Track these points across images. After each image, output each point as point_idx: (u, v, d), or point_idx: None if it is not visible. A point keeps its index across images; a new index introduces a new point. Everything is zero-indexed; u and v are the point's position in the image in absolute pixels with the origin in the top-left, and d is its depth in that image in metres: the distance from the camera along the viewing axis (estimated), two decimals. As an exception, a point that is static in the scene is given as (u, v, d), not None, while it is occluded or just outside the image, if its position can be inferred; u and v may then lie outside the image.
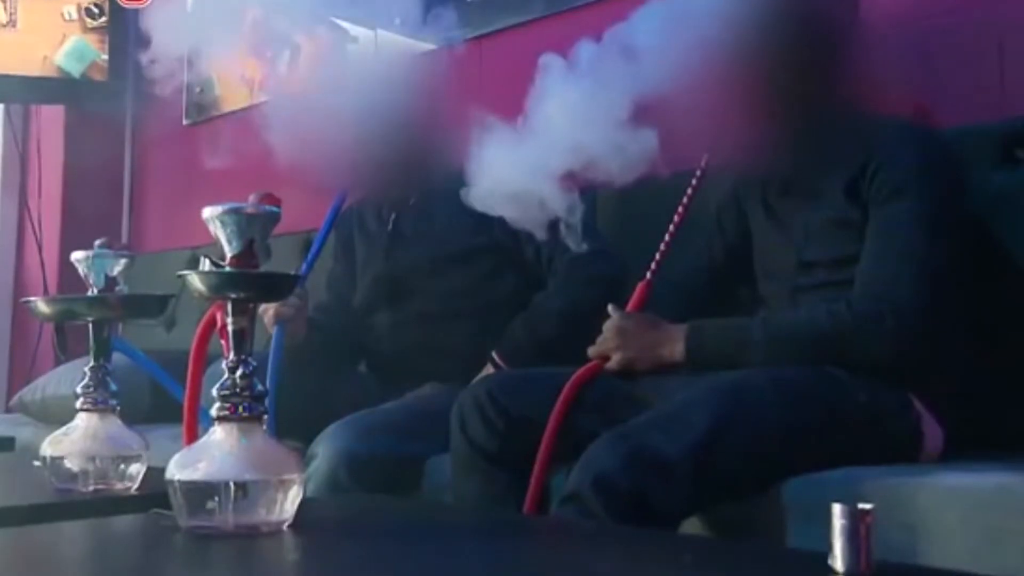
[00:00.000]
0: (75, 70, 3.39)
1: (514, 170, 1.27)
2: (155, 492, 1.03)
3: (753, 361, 1.46)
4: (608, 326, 1.60)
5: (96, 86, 3.46)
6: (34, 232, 3.59)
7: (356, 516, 1.14)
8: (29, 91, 3.48)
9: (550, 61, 1.34)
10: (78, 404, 1.23)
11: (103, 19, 3.38)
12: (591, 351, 1.60)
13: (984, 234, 1.55)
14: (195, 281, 0.96)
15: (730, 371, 1.44)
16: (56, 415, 2.34)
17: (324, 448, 1.71)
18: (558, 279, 1.93)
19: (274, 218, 0.99)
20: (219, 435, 0.95)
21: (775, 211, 1.63)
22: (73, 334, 1.33)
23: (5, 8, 3.38)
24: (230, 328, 0.97)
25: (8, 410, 3.04)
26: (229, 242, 0.96)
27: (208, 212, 0.96)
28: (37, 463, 1.24)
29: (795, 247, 1.58)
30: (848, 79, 1.53)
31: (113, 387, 1.23)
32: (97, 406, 1.22)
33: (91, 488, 1.19)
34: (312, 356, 1.95)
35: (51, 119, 3.64)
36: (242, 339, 0.97)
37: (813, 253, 1.55)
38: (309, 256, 1.95)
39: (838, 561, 0.73)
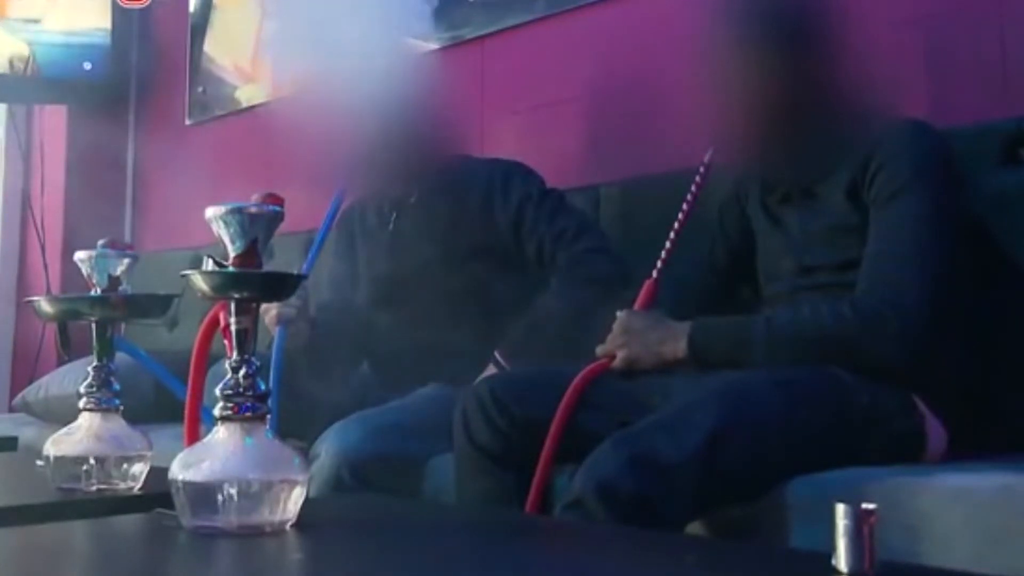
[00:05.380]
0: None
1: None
2: (158, 492, 1.03)
3: (756, 360, 1.46)
4: (615, 325, 1.60)
5: (99, 86, 3.46)
6: (37, 232, 3.60)
7: (359, 516, 1.14)
8: (32, 91, 3.49)
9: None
10: (81, 404, 1.23)
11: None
12: (599, 350, 1.60)
13: (987, 234, 1.55)
14: (198, 281, 0.96)
15: (733, 371, 1.44)
16: (59, 415, 2.34)
17: (327, 448, 1.72)
18: (560, 278, 1.93)
19: (277, 218, 0.99)
20: (222, 435, 0.95)
21: (775, 215, 1.63)
22: (76, 334, 1.33)
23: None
24: (233, 328, 0.97)
25: (11, 410, 3.04)
26: (232, 242, 0.96)
27: (211, 212, 0.96)
28: (40, 463, 1.24)
29: (796, 251, 1.57)
30: (847, 81, 1.53)
31: (116, 387, 1.23)
32: (100, 406, 1.22)
33: (94, 488, 1.19)
34: (314, 356, 1.95)
35: (54, 119, 3.65)
36: (245, 339, 0.97)
37: (814, 257, 1.55)
38: (310, 255, 1.95)
39: (842, 561, 0.73)
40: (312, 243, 1.98)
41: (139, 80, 3.68)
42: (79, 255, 1.25)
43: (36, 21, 3.41)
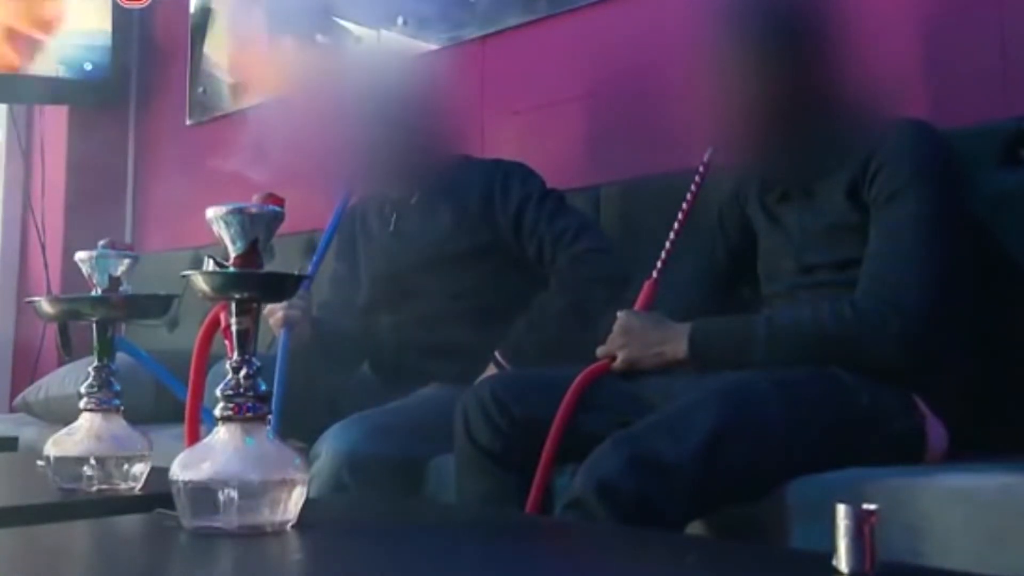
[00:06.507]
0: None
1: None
2: (159, 492, 1.03)
3: (756, 360, 1.46)
4: (616, 325, 1.60)
5: (100, 86, 3.46)
6: (38, 232, 3.60)
7: (359, 516, 1.15)
8: (32, 91, 3.49)
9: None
10: (82, 404, 1.23)
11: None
12: (600, 351, 1.60)
13: (988, 234, 1.55)
14: (199, 281, 0.96)
15: (733, 372, 1.44)
16: (60, 415, 2.34)
17: (327, 448, 1.71)
18: (560, 278, 1.93)
19: (277, 218, 0.99)
20: (223, 435, 0.95)
21: (775, 214, 1.63)
22: (77, 334, 1.33)
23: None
24: (234, 328, 0.98)
25: (12, 410, 3.04)
26: (233, 242, 0.97)
27: (212, 212, 0.96)
28: (41, 463, 1.24)
29: (796, 250, 1.57)
30: (847, 81, 1.53)
31: (117, 387, 1.24)
32: (101, 406, 1.23)
33: (95, 488, 1.19)
34: (315, 356, 1.95)
35: (55, 119, 3.65)
36: (246, 339, 0.98)
37: (813, 257, 1.55)
38: (315, 256, 1.95)
39: (842, 562, 0.73)
40: (313, 244, 1.99)
41: (139, 80, 3.68)
42: (79, 255, 1.26)
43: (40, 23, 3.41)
